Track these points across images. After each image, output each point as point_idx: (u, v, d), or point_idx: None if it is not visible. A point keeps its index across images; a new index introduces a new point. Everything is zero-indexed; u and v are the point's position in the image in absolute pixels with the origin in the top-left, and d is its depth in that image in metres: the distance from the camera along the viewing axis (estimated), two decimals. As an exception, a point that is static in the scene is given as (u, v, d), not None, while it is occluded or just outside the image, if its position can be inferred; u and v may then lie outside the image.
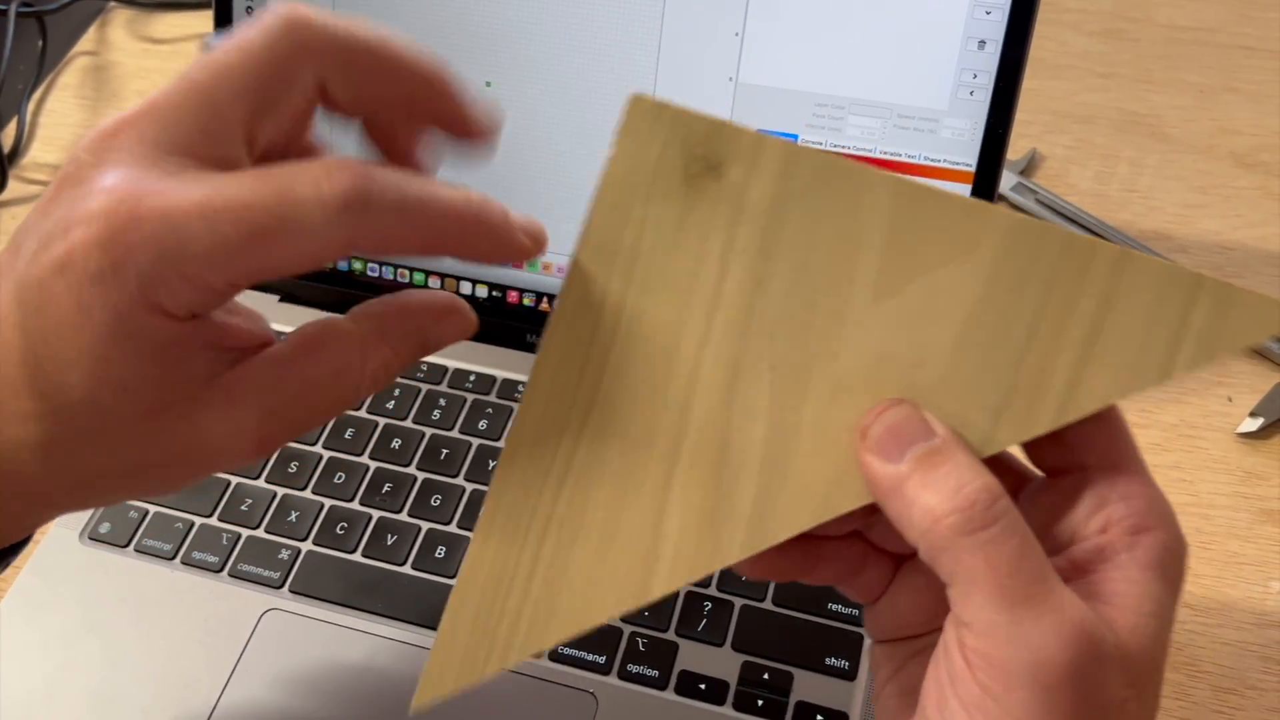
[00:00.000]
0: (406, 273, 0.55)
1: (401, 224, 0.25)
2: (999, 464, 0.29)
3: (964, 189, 0.49)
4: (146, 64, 0.75)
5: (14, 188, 0.67)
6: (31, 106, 0.71)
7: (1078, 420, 0.25)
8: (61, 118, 0.71)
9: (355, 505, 0.49)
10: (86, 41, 0.76)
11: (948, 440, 0.25)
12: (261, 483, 0.50)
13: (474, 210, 0.26)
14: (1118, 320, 0.24)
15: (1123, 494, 0.26)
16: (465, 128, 0.29)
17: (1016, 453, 0.29)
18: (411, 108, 0.28)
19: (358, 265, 0.56)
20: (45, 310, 0.24)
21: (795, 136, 0.50)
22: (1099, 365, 0.25)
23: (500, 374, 0.54)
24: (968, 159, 0.48)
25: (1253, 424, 0.54)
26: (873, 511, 0.27)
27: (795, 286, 0.26)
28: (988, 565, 0.24)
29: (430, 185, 0.26)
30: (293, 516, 0.49)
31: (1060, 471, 0.28)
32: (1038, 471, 0.29)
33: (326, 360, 0.27)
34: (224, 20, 0.54)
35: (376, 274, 0.55)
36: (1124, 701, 0.25)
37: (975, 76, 0.47)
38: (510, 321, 0.54)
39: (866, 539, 0.31)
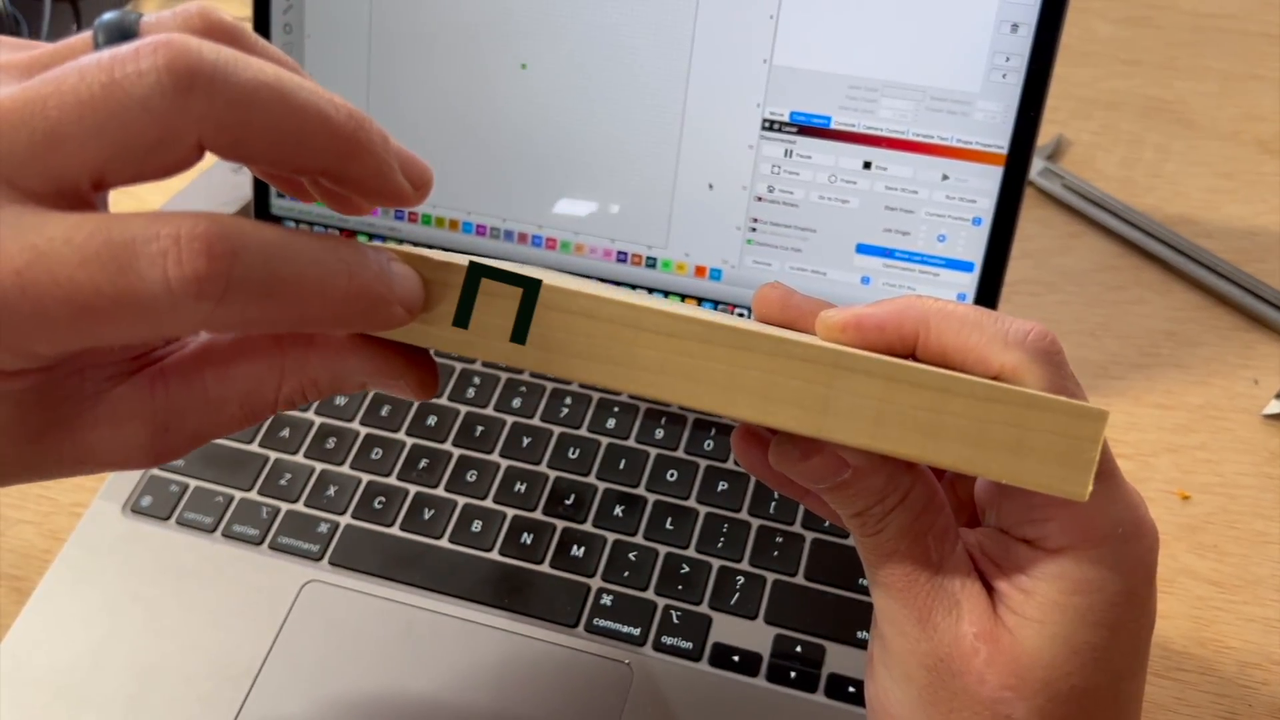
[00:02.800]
0: (417, 216, 0.56)
1: (267, 309, 0.22)
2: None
3: (996, 170, 0.49)
4: (178, 48, 0.75)
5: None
6: (65, 89, 0.72)
7: None
8: (95, 100, 0.72)
9: (393, 480, 0.50)
10: (119, 25, 0.77)
11: None
12: (300, 458, 0.51)
13: (356, 287, 0.23)
14: None
15: None
16: (384, 194, 0.25)
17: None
18: (317, 172, 0.24)
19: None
20: None
21: (828, 119, 0.50)
22: None
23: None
24: (999, 141, 0.49)
25: (1278, 406, 0.54)
26: None
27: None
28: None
29: (307, 252, 0.22)
30: (331, 491, 0.49)
31: None
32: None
33: (236, 382, 0.25)
34: (263, 6, 0.55)
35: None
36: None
37: (1008, 59, 0.48)
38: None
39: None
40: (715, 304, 0.54)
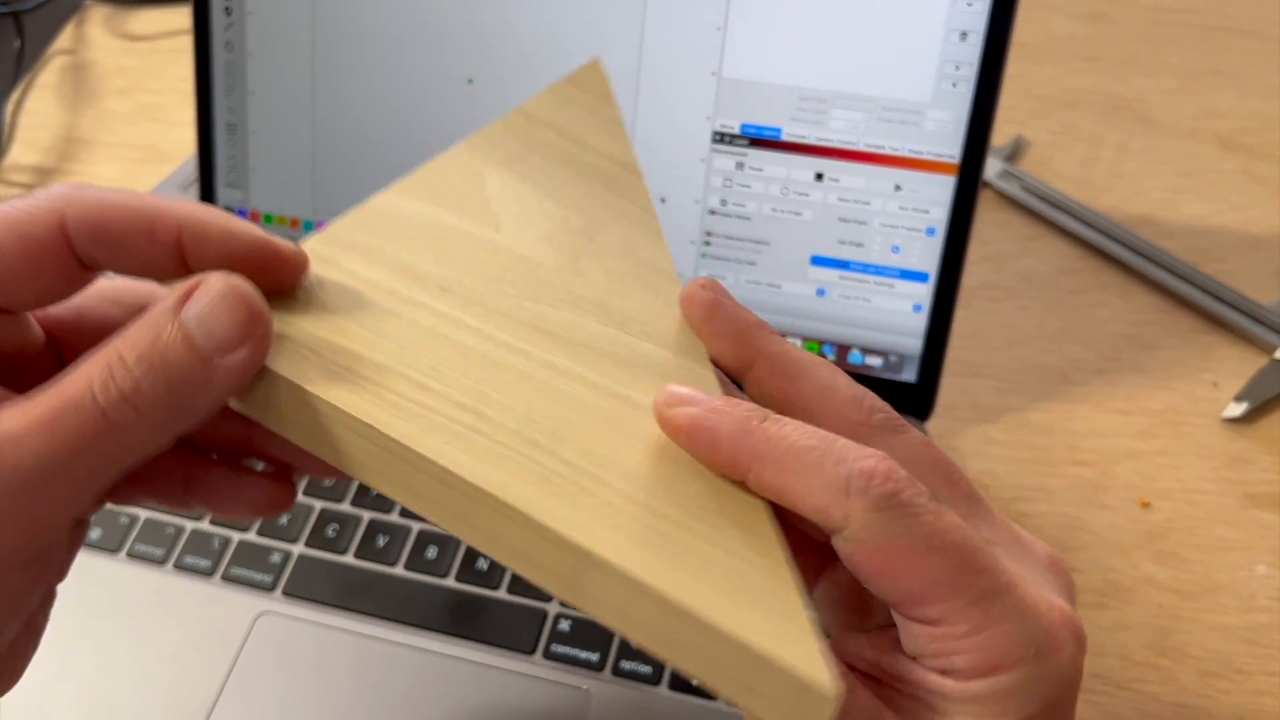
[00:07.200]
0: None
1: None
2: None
3: (949, 180, 0.49)
4: (125, 62, 0.74)
5: (-4, 190, 0.66)
6: (10, 108, 0.71)
7: None
8: (42, 118, 0.71)
9: (346, 507, 0.49)
10: (64, 40, 0.75)
11: None
12: (251, 486, 0.50)
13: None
14: None
15: None
16: (276, 272, 0.28)
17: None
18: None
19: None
20: None
21: (779, 131, 0.49)
22: None
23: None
24: (951, 150, 0.48)
25: (1237, 409, 0.54)
26: None
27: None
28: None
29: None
30: (283, 519, 0.49)
31: None
32: None
33: None
34: (202, 15, 0.54)
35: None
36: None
37: (958, 68, 0.47)
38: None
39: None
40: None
